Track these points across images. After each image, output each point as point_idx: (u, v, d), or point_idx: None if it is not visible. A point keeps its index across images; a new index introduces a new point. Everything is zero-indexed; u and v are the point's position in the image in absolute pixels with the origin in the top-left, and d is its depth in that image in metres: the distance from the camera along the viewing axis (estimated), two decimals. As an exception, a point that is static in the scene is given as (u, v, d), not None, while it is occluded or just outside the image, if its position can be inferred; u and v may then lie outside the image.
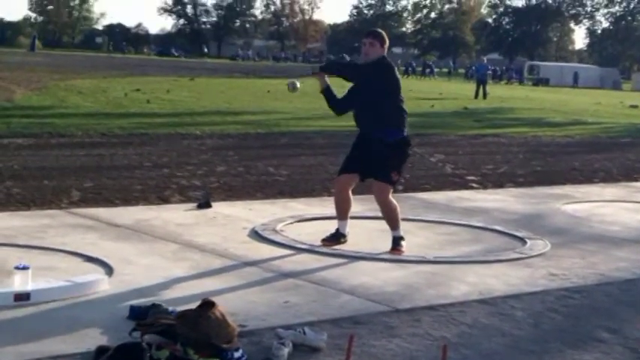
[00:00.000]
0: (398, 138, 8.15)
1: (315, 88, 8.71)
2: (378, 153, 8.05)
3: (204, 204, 10.01)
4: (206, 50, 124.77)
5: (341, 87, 8.39)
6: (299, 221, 9.48)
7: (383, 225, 8.47)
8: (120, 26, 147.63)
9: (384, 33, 8.32)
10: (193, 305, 5.38)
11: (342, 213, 8.30)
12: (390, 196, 8.22)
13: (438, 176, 14.28)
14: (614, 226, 10.37)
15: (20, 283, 5.91)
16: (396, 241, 8.19)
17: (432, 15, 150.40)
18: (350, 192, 8.29)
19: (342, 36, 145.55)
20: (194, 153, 15.50)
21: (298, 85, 8.57)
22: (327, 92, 8.34)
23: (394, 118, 8.14)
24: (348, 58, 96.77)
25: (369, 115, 8.11)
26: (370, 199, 10.07)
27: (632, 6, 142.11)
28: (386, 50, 8.22)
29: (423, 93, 42.81)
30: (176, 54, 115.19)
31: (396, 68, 8.42)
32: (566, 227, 10.15)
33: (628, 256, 8.66)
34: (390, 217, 8.24)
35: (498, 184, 13.84)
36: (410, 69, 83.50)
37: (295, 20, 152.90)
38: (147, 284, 6.57)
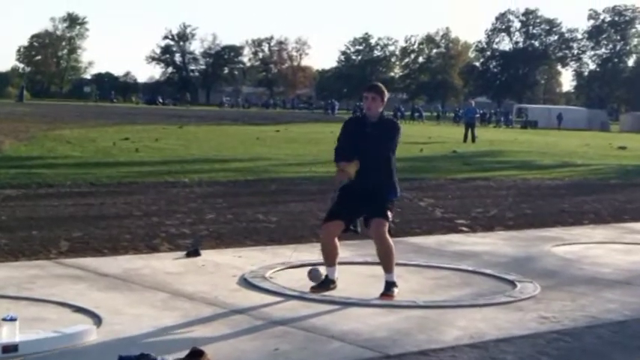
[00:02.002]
0: (392, 198, 8.32)
1: (304, 134, 8.74)
2: (369, 194, 8.10)
3: (193, 252, 9.98)
4: (189, 98, 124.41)
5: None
6: (288, 268, 9.45)
7: (372, 270, 8.45)
8: (108, 75, 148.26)
9: (384, 88, 8.44)
10: (183, 354, 5.35)
11: (330, 260, 8.29)
12: (388, 236, 8.23)
13: (428, 220, 14.27)
14: (604, 268, 10.35)
15: (8, 334, 5.87)
16: (388, 287, 8.15)
17: (420, 60, 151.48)
18: (336, 239, 8.28)
19: (331, 82, 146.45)
20: (183, 201, 15.47)
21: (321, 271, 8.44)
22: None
23: (393, 179, 8.31)
24: (336, 104, 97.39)
25: (373, 172, 8.13)
26: (359, 245, 10.09)
27: (618, 48, 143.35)
28: (385, 104, 8.33)
29: (412, 137, 42.90)
30: (161, 101, 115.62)
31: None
32: (557, 269, 10.14)
33: (618, 298, 8.64)
34: (386, 255, 8.20)
35: (488, 227, 13.84)
36: (399, 113, 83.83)
37: (284, 67, 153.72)
38: (136, 334, 6.53)
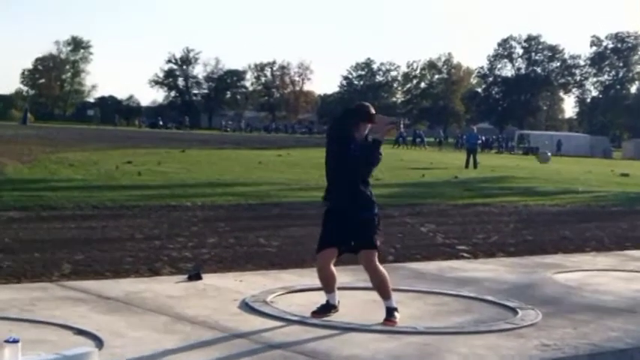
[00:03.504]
0: (375, 213, 8.23)
1: (306, 159, 8.76)
2: (355, 224, 8.09)
3: (195, 276, 10.00)
4: (188, 122, 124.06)
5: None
6: (290, 292, 9.46)
7: (373, 295, 8.45)
8: (112, 98, 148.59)
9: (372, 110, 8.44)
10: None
11: (330, 286, 8.31)
12: (379, 264, 8.23)
13: (429, 246, 14.27)
14: (606, 296, 10.34)
15: (10, 356, 5.86)
16: (390, 312, 8.15)
17: (422, 85, 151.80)
18: (332, 265, 8.29)
19: (333, 107, 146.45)
20: (185, 225, 15.49)
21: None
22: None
23: (371, 195, 8.22)
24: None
25: (353, 189, 8.13)
26: (359, 270, 10.06)
27: (620, 74, 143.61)
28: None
29: (414, 163, 43.04)
30: (162, 124, 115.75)
31: None
32: (558, 297, 10.14)
33: (620, 326, 8.63)
34: (381, 285, 8.23)
35: (489, 253, 13.84)
36: (400, 139, 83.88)
37: (286, 91, 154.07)
38: (137, 356, 6.54)
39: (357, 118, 8.22)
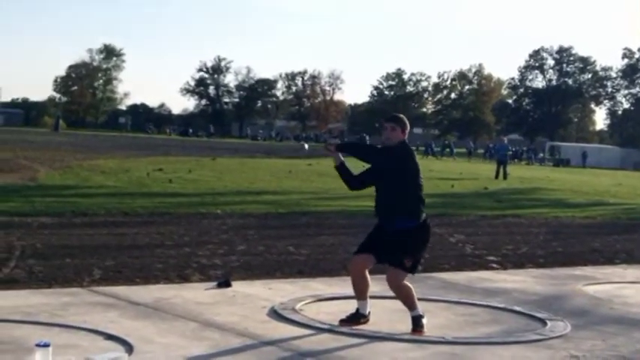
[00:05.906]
0: (411, 226, 8.16)
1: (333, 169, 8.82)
2: (393, 238, 8.10)
3: (224, 283, 10.05)
4: (213, 130, 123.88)
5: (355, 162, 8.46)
6: (318, 301, 9.49)
7: (402, 305, 8.46)
8: (143, 106, 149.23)
9: (405, 118, 8.44)
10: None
11: (361, 293, 8.31)
12: (404, 280, 8.22)
13: (458, 256, 14.25)
14: (635, 308, 10.30)
15: (41, 360, 5.93)
16: (417, 321, 8.15)
17: (453, 96, 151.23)
18: (367, 272, 8.30)
19: (363, 116, 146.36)
20: (215, 232, 15.55)
21: (306, 147, 8.58)
22: (341, 168, 8.56)
23: (409, 206, 8.19)
24: (367, 138, 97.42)
25: (387, 201, 8.18)
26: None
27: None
28: (407, 135, 8.32)
29: (443, 173, 42.94)
30: (191, 131, 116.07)
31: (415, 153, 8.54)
32: (587, 309, 10.11)
33: (649, 338, 8.60)
34: (406, 300, 8.23)
35: (518, 264, 13.80)
36: (430, 149, 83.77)
37: (316, 101, 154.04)
38: (166, 363, 6.59)
39: None
